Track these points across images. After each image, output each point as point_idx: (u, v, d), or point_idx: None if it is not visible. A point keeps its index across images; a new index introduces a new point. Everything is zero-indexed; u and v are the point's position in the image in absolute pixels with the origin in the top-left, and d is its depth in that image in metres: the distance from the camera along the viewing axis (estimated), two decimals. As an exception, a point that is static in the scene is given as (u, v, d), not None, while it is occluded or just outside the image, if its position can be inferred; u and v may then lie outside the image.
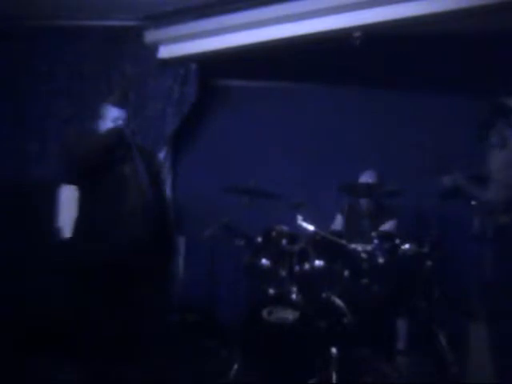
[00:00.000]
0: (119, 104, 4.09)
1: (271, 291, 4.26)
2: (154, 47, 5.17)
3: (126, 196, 3.89)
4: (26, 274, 4.77)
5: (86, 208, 3.94)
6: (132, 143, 3.95)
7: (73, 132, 4.36)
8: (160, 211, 4.01)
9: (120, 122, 4.02)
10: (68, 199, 4.91)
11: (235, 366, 4.06)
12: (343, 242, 4.29)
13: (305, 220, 4.34)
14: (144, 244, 3.85)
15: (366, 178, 4.87)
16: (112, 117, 4.03)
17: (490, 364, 3.94)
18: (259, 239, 4.40)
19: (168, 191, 5.34)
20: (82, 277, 3.85)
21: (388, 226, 4.76)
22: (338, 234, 4.46)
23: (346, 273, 4.23)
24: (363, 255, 4.19)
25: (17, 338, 4.42)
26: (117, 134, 3.93)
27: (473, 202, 4.31)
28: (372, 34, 4.49)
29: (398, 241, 4.27)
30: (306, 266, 4.24)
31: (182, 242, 5.39)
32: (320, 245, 4.30)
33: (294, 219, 4.36)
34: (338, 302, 4.19)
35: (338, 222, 4.98)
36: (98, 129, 4.05)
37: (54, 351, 4.31)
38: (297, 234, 4.36)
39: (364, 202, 4.86)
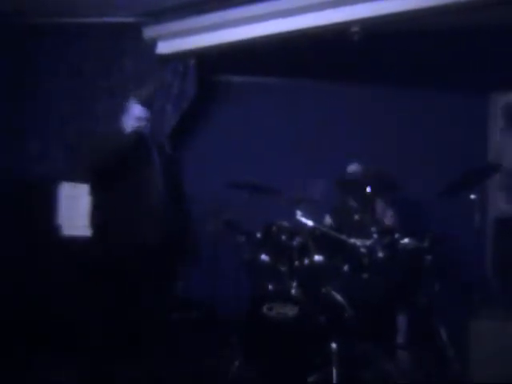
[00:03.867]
0: (144, 102, 3.98)
1: (271, 287, 4.26)
2: (152, 43, 5.18)
3: (142, 198, 3.86)
4: (27, 272, 4.77)
5: (102, 208, 3.89)
6: (152, 145, 3.91)
7: (94, 132, 4.32)
8: (178, 213, 4.00)
9: (143, 122, 3.93)
10: (68, 197, 4.92)
11: (236, 362, 4.06)
12: (343, 236, 4.28)
13: (304, 215, 4.33)
14: (158, 245, 3.83)
15: (351, 170, 4.87)
16: (135, 115, 3.93)
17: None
18: (259, 235, 4.39)
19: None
20: (95, 275, 3.84)
21: (387, 219, 4.76)
22: (338, 229, 4.44)
23: (346, 268, 4.21)
24: (363, 250, 4.17)
25: (18, 338, 4.42)
26: (137, 137, 3.88)
27: (472, 197, 4.30)
28: (370, 28, 4.48)
29: (397, 235, 4.25)
30: (306, 261, 4.23)
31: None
32: (320, 240, 4.28)
33: (294, 214, 4.35)
34: (338, 297, 4.17)
35: (327, 224, 4.95)
36: (121, 124, 3.97)
37: (57, 350, 4.32)
38: (296, 230, 4.34)
39: (359, 197, 4.85)
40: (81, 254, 4.32)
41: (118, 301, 3.77)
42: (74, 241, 4.65)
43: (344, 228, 4.46)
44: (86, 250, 4.04)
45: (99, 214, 3.87)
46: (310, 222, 4.32)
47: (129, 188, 3.85)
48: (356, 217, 4.52)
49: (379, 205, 4.83)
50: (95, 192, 3.89)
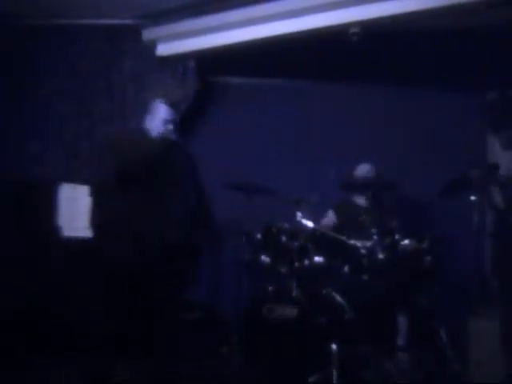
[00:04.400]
0: (173, 105, 3.93)
1: (271, 288, 4.26)
2: (152, 45, 5.17)
3: (168, 200, 3.82)
4: (28, 272, 4.77)
5: (124, 210, 3.83)
6: (178, 149, 3.86)
7: (121, 131, 4.24)
8: (200, 217, 4.00)
9: (170, 125, 3.88)
10: (68, 198, 4.92)
11: (236, 363, 4.07)
12: (343, 238, 4.29)
13: (304, 216, 4.33)
14: (181, 248, 3.81)
15: (362, 171, 4.87)
16: (161, 117, 3.88)
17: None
18: (259, 236, 4.38)
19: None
20: (98, 275, 3.82)
21: (389, 221, 4.77)
22: (338, 230, 4.45)
23: (346, 269, 4.22)
24: (363, 251, 4.18)
25: (18, 338, 4.42)
26: (165, 141, 3.82)
27: (472, 198, 4.31)
28: (370, 29, 4.49)
29: (397, 236, 4.26)
30: (306, 263, 4.23)
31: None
32: (320, 241, 4.29)
33: (294, 216, 4.35)
34: (338, 298, 4.18)
35: (330, 218, 4.97)
36: (143, 125, 3.92)
37: (57, 350, 4.31)
38: (296, 231, 4.34)
39: (363, 198, 4.87)
40: (83, 254, 4.34)
41: (118, 301, 3.77)
42: (74, 241, 4.66)
43: (346, 227, 4.47)
44: (87, 251, 4.04)
45: (119, 215, 3.82)
46: (310, 224, 4.33)
47: (154, 191, 3.81)
48: (359, 217, 4.53)
49: (382, 206, 4.83)
50: (119, 194, 3.82)
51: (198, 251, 4.01)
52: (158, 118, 3.87)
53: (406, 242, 4.25)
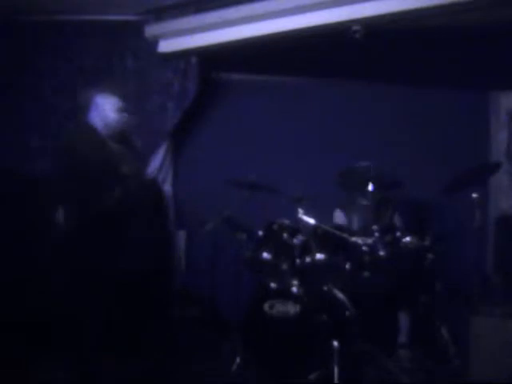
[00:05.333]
0: (118, 93, 3.96)
1: (272, 285, 4.25)
2: (154, 41, 5.16)
3: (134, 194, 3.84)
4: (27, 270, 4.77)
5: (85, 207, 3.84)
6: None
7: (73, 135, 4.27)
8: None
9: (125, 115, 3.91)
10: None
11: (237, 360, 4.07)
12: (345, 235, 4.28)
13: (306, 213, 4.33)
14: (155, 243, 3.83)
15: (363, 169, 4.85)
16: (114, 108, 3.90)
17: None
18: (260, 233, 4.39)
19: (169, 185, 5.38)
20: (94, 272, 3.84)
21: (391, 218, 4.77)
22: (340, 228, 4.44)
23: (348, 266, 4.21)
24: (364, 248, 4.17)
25: (16, 337, 4.42)
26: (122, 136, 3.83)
27: (474, 195, 4.31)
28: (372, 27, 4.48)
29: (399, 234, 4.26)
30: (308, 260, 4.22)
31: (182, 236, 5.40)
32: (321, 238, 4.28)
33: (295, 213, 4.35)
34: (340, 295, 4.18)
35: (339, 217, 4.96)
36: (92, 121, 3.93)
37: (54, 350, 4.31)
38: (298, 228, 4.35)
39: (364, 196, 4.86)
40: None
41: (118, 300, 3.77)
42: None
43: (353, 224, 4.45)
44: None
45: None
46: (311, 220, 4.32)
47: (119, 186, 3.83)
48: (361, 214, 4.53)
49: (383, 203, 4.83)
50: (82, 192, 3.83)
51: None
52: (110, 110, 3.90)
53: (408, 239, 4.25)
